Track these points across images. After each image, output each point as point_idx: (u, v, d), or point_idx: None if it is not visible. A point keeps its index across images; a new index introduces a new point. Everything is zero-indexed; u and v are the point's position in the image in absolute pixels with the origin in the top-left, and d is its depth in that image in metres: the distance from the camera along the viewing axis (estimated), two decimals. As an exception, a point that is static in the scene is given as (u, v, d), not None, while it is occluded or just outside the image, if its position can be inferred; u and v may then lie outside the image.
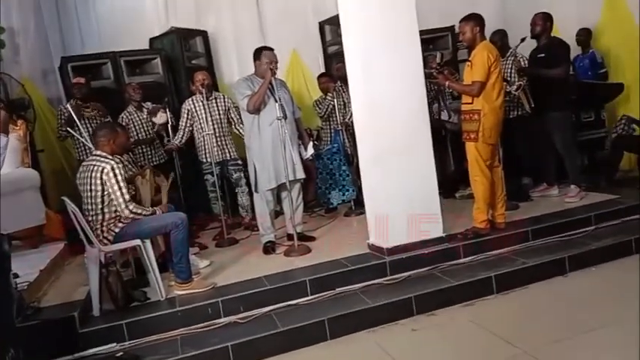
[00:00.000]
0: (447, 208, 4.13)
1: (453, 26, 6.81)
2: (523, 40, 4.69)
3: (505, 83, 4.84)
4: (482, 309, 3.46)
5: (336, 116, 5.56)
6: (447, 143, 5.59)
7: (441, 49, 6.58)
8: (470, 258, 3.91)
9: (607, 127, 5.72)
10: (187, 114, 5.09)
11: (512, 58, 4.94)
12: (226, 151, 5.14)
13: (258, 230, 4.68)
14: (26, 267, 3.82)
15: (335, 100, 5.53)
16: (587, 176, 4.95)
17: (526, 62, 5.01)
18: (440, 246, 3.93)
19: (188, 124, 5.10)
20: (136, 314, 3.43)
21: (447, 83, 4.28)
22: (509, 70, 5.05)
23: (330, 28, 6.94)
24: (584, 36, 6.04)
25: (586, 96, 5.37)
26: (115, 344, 3.20)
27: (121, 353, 3.10)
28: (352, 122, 4.36)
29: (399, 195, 3.89)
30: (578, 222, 4.23)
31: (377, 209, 4.01)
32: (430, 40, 6.56)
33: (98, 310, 3.47)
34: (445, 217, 4.06)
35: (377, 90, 3.86)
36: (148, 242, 3.65)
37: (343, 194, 5.50)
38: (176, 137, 5.13)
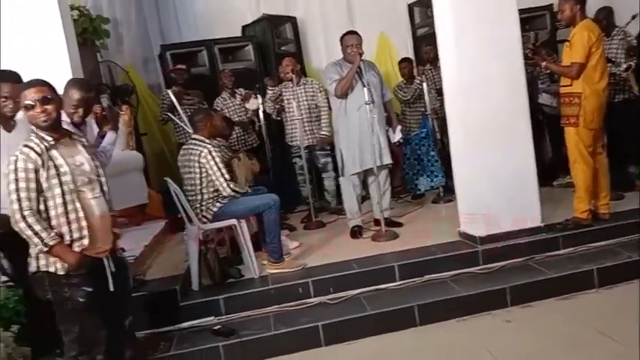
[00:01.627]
0: (544, 196, 3.95)
1: (551, 5, 6.44)
2: (634, 17, 4.35)
3: (610, 64, 4.52)
4: (581, 303, 3.30)
5: (425, 100, 5.44)
6: (545, 128, 5.31)
7: (537, 29, 6.25)
8: (570, 249, 3.73)
9: None
10: (278, 93, 5.20)
11: (620, 37, 4.58)
12: (316, 135, 5.19)
13: (343, 215, 4.72)
14: (132, 242, 4.09)
15: (425, 83, 5.42)
16: None
17: (635, 42, 4.63)
18: (537, 236, 3.78)
19: (273, 95, 5.19)
20: (231, 290, 3.59)
21: (543, 64, 4.06)
22: (614, 50, 4.70)
23: (420, 10, 6.78)
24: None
25: None
26: (212, 317, 3.38)
27: (219, 326, 3.27)
28: (443, 107, 4.26)
29: (494, 182, 3.77)
30: (691, 215, 3.90)
31: (469, 196, 3.91)
32: (526, 19, 6.22)
33: (197, 285, 3.67)
34: (543, 206, 3.89)
35: (470, 72, 3.75)
36: (243, 222, 3.81)
37: (431, 180, 5.40)
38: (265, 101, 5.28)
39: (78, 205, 2.28)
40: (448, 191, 5.16)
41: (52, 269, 2.30)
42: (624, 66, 4.43)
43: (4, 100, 2.84)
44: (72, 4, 5.52)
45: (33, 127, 2.33)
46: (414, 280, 3.60)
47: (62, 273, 2.30)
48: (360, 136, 4.29)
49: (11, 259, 2.95)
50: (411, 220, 4.82)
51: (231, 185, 3.74)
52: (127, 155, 4.92)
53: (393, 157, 4.64)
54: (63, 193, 2.26)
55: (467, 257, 3.71)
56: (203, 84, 5.86)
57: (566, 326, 3.05)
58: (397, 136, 4.68)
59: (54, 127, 2.32)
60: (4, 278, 3.11)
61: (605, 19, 4.82)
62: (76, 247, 2.29)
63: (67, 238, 2.28)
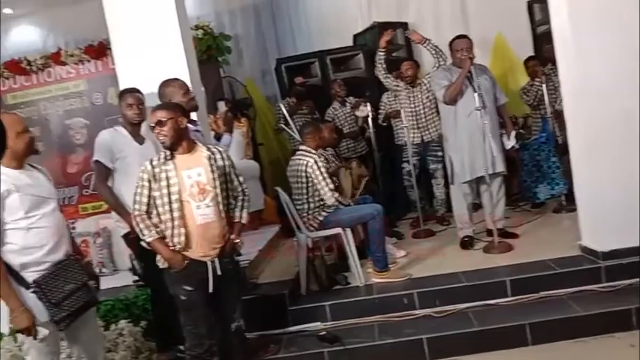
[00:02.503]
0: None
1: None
2: None
3: None
4: None
5: (545, 103, 5.12)
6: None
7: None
8: None
9: None
10: (391, 96, 5.29)
11: None
12: (429, 132, 5.13)
13: (450, 224, 4.60)
14: (247, 247, 4.30)
15: (544, 85, 5.10)
16: None
17: None
18: (670, 252, 3.39)
19: (393, 86, 5.24)
20: (337, 297, 3.68)
21: None
22: None
23: (540, 7, 6.37)
24: None
25: None
26: (318, 323, 3.49)
27: (324, 332, 3.36)
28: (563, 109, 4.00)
29: (617, 191, 3.46)
30: None
31: (590, 207, 3.63)
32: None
33: (305, 290, 3.80)
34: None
35: (590, 72, 3.48)
36: (348, 230, 3.87)
37: (552, 188, 5.05)
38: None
39: (177, 214, 2.57)
40: (572, 200, 4.79)
41: (161, 265, 2.65)
42: None
43: (129, 106, 3.23)
44: (197, 24, 6.03)
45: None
46: (527, 296, 3.41)
47: (164, 267, 2.63)
48: (471, 143, 4.15)
49: (142, 261, 3.28)
50: (527, 230, 4.55)
51: (335, 195, 3.82)
52: (244, 164, 5.23)
53: (510, 163, 4.43)
54: (170, 202, 2.57)
55: (587, 273, 3.44)
56: (316, 94, 6.05)
57: None
58: (512, 142, 4.45)
59: (172, 144, 2.60)
60: (135, 278, 3.48)
61: None
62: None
63: (168, 240, 2.59)
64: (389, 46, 6.41)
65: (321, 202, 3.84)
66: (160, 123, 2.57)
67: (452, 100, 4.18)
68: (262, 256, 4.48)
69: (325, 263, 3.95)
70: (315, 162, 3.78)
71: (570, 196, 4.81)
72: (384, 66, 5.16)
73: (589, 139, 3.55)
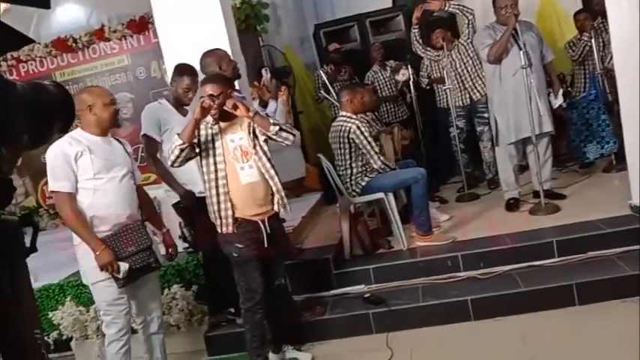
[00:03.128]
0: None
1: None
2: None
3: None
4: None
5: (593, 59, 4.90)
6: None
7: None
8: None
9: None
10: (434, 56, 5.21)
11: None
12: (475, 93, 5.03)
13: (497, 187, 4.53)
14: (291, 213, 4.38)
15: (593, 40, 4.87)
16: None
17: None
18: None
19: (434, 57, 5.20)
20: (381, 261, 3.73)
21: None
22: None
23: (591, -42, 6.05)
24: None
25: None
26: (363, 286, 3.55)
27: (369, 294, 3.42)
28: (613, 66, 3.83)
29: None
30: None
31: (643, 165, 3.50)
32: None
33: (349, 254, 3.86)
34: None
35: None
36: (390, 195, 3.88)
37: (602, 147, 4.89)
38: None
39: (222, 174, 2.67)
40: (622, 159, 4.63)
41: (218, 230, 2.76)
42: None
43: (185, 90, 3.31)
44: (235, -7, 6.03)
45: None
46: (575, 256, 3.36)
47: (220, 231, 2.73)
48: (516, 103, 4.05)
49: (192, 228, 3.41)
50: (576, 191, 4.44)
51: (382, 158, 3.84)
52: (285, 133, 5.28)
53: (558, 122, 4.31)
54: (215, 163, 2.68)
55: (637, 233, 3.34)
56: (355, 59, 5.99)
57: None
58: (559, 100, 4.31)
59: (220, 115, 2.69)
60: (186, 245, 3.62)
61: None
62: (222, 211, 2.68)
63: (214, 200, 2.68)
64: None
65: (364, 167, 3.86)
66: (211, 97, 2.63)
67: (497, 59, 4.07)
68: (306, 222, 4.56)
69: (368, 228, 3.99)
70: (358, 127, 3.78)
71: (620, 155, 4.66)
72: (420, 41, 5.13)
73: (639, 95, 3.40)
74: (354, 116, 3.87)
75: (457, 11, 4.76)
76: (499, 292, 3.19)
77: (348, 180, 3.91)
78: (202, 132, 2.70)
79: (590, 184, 4.65)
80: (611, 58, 3.97)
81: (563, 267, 3.32)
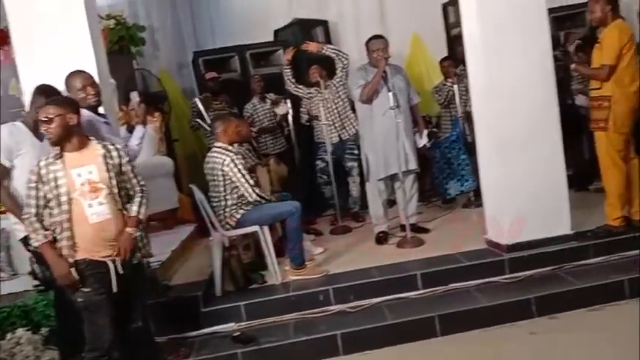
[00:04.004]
0: (578, 202, 3.83)
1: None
2: None
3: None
4: (611, 315, 3.16)
5: (456, 103, 5.33)
6: (582, 130, 5.11)
7: (576, 28, 6.01)
8: (601, 258, 3.58)
9: None
10: (307, 93, 5.28)
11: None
12: (346, 130, 5.18)
13: (366, 221, 4.69)
14: (160, 247, 4.17)
15: (455, 85, 5.31)
16: None
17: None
18: (566, 244, 3.66)
19: (303, 93, 5.27)
20: (253, 296, 3.64)
21: (572, 66, 3.94)
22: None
23: (454, 10, 6.64)
24: None
25: None
26: (233, 324, 3.42)
27: (239, 333, 3.31)
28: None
29: (522, 187, 3.67)
30: None
31: (496, 202, 3.82)
32: (563, 18, 6.01)
33: (220, 291, 3.72)
34: (575, 212, 3.77)
35: (498, 74, 3.66)
36: (266, 228, 3.83)
37: (462, 184, 5.28)
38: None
39: (65, 216, 2.47)
40: (480, 196, 5.04)
41: None
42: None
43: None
44: (109, 13, 5.74)
45: None
46: (437, 288, 3.54)
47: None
48: (386, 141, 4.26)
49: (43, 264, 3.07)
50: (439, 225, 4.74)
51: (257, 191, 3.79)
52: (156, 161, 5.05)
53: (423, 160, 4.58)
54: (59, 203, 2.48)
55: (493, 266, 3.63)
56: (235, 89, 5.94)
57: (593, 339, 2.94)
58: (424, 140, 4.62)
59: (60, 141, 2.50)
60: (36, 282, 3.26)
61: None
62: (64, 251, 2.49)
63: (62, 242, 2.49)
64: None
65: (239, 200, 3.78)
66: (48, 120, 2.46)
67: (368, 99, 4.26)
68: (176, 256, 4.34)
69: (242, 262, 3.90)
70: (232, 160, 3.70)
71: (478, 192, 5.08)
72: (293, 80, 5.23)
73: (496, 138, 3.73)
74: (229, 147, 3.79)
75: (333, 55, 4.91)
76: (368, 325, 3.25)
77: (222, 212, 3.80)
78: (43, 170, 2.49)
79: (452, 218, 4.99)
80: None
81: (426, 299, 3.48)
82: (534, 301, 3.28)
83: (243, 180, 3.73)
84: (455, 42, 6.50)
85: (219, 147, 3.80)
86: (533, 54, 3.65)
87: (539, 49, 3.66)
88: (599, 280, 3.34)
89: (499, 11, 3.61)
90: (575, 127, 5.00)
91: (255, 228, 3.80)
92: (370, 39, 4.41)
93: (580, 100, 5.04)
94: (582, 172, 5.04)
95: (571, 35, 5.27)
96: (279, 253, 3.94)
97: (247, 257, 4.18)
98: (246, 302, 3.54)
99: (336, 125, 5.15)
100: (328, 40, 6.77)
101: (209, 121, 4.87)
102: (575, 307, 3.24)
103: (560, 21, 5.89)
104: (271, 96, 5.74)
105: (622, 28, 3.57)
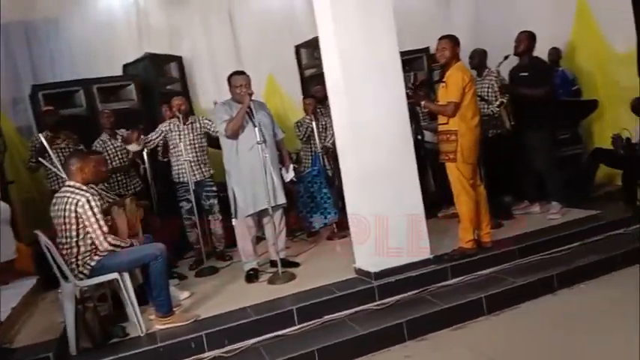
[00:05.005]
0: (431, 228, 4.08)
1: (427, 48, 6.90)
2: (506, 57, 4.76)
3: (482, 102, 4.87)
4: (473, 331, 3.39)
5: (315, 139, 5.49)
6: (427, 163, 5.58)
7: (415, 71, 6.64)
8: (458, 279, 3.86)
9: (583, 143, 5.80)
10: (161, 132, 5.02)
11: (494, 76, 4.98)
12: (203, 171, 5.02)
13: (233, 259, 4.56)
14: (-4, 306, 3.62)
15: (314, 122, 5.47)
16: (568, 192, 4.95)
17: (506, 80, 5.03)
18: (428, 268, 3.88)
19: (158, 138, 5.01)
20: (115, 352, 3.26)
21: (422, 103, 4.29)
22: (486, 89, 5.08)
23: (306, 52, 6.95)
24: (554, 55, 6.12)
25: (562, 113, 5.43)
26: (91, 385, 3.03)
27: (100, 395, 2.93)
28: (333, 145, 4.33)
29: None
30: (562, 239, 4.23)
31: (362, 232, 3.93)
32: (405, 61, 6.59)
33: (75, 349, 3.29)
34: (430, 237, 4.01)
35: (359, 112, 3.83)
36: (126, 275, 3.49)
37: (325, 217, 5.40)
38: (147, 142, 4.99)
39: None
40: (342, 227, 5.21)
41: None
42: (497, 103, 4.78)
43: None
44: None
45: None
46: (313, 322, 3.51)
47: None
48: (253, 177, 4.20)
49: None
50: (307, 259, 4.77)
51: (109, 239, 3.41)
52: (-10, 207, 4.39)
53: (288, 195, 4.59)
54: None
55: (363, 294, 3.70)
56: (80, 125, 5.47)
57: (459, 356, 3.12)
58: (290, 174, 4.64)
59: None
60: None
61: (479, 59, 5.24)
62: None
63: None
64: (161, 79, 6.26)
65: (94, 246, 3.40)
66: None
67: (233, 135, 4.19)
68: (17, 314, 3.76)
69: (98, 315, 3.49)
70: (88, 201, 3.32)
71: (339, 224, 5.24)
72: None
73: (359, 171, 3.87)
74: (84, 187, 3.41)
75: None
76: (245, 369, 3.10)
77: (74, 260, 3.38)
78: None
79: (318, 251, 5.06)
80: (331, 137, 4.48)
81: (304, 333, 3.42)
82: (405, 325, 3.39)
83: (96, 226, 3.35)
84: (309, 82, 6.78)
85: (72, 186, 3.41)
86: (389, 93, 3.89)
87: (394, 89, 3.91)
88: (459, 300, 3.57)
89: (358, 53, 3.80)
90: (423, 160, 5.45)
91: (114, 275, 3.44)
92: (232, 74, 4.37)
93: (426, 135, 5.51)
94: (431, 201, 5.46)
95: (417, 76, 5.78)
96: (141, 302, 3.61)
97: (103, 309, 3.77)
98: (108, 359, 3.15)
99: (192, 166, 4.94)
100: (182, 76, 6.63)
101: (54, 159, 4.37)
102: (441, 327, 3.43)
103: (402, 64, 6.44)
104: (123, 132, 5.38)
105: (464, 69, 4.00)
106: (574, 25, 6.13)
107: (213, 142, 4.98)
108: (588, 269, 3.86)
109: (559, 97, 5.82)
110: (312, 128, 5.49)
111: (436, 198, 5.52)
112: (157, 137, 5.02)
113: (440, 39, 4.10)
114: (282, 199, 4.31)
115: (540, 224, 4.60)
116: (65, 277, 3.39)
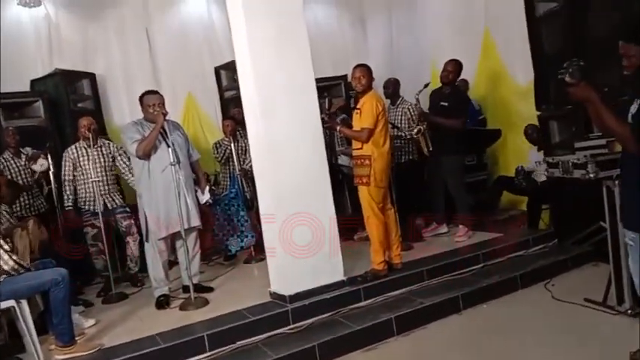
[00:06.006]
0: (346, 250, 4.15)
1: (345, 75, 7.11)
2: (426, 85, 5.00)
3: (395, 129, 5.07)
4: (384, 352, 3.47)
5: (234, 161, 5.46)
6: (344, 186, 5.70)
7: (334, 97, 6.80)
8: (371, 300, 3.94)
9: (488, 170, 6.17)
10: (70, 163, 4.76)
11: (411, 105, 5.19)
12: (114, 199, 4.83)
13: (145, 285, 4.41)
14: None
15: (232, 144, 5.45)
16: (474, 216, 5.23)
17: (421, 108, 5.22)
18: (341, 290, 3.93)
19: (71, 175, 4.76)
20: (7, 387, 3.03)
21: (338, 128, 4.40)
22: (400, 117, 5.30)
23: (226, 74, 6.91)
24: (463, 86, 6.50)
25: (470, 141, 5.76)
26: None
27: None
28: (251, 167, 4.33)
29: (300, 240, 3.85)
30: (468, 260, 4.45)
31: (278, 255, 3.93)
32: (324, 88, 6.75)
33: (-39, 387, 3.02)
34: (345, 259, 4.07)
35: (276, 136, 3.86)
36: (24, 302, 3.28)
37: (242, 240, 5.35)
38: (65, 195, 4.73)
39: None
40: (260, 251, 5.17)
41: None
42: (415, 129, 4.98)
43: None
44: None
45: None
46: (225, 348, 3.44)
47: None
48: (166, 199, 4.09)
49: None
50: (222, 283, 4.69)
51: (14, 257, 3.22)
52: None
53: (203, 218, 4.50)
54: None
55: (278, 318, 3.68)
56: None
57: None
58: (206, 196, 4.57)
59: None
60: None
61: (393, 88, 5.47)
62: None
63: None
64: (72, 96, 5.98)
65: (-12, 271, 3.17)
66: None
67: (145, 155, 4.08)
68: None
69: (-9, 347, 3.24)
70: (-15, 222, 3.12)
71: (257, 247, 5.21)
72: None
73: (276, 194, 3.87)
74: (-20, 209, 3.20)
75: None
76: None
77: (-36, 288, 3.14)
78: None
79: (235, 275, 5.00)
80: (250, 160, 4.46)
81: (215, 360, 3.35)
82: (317, 347, 3.41)
83: (-4, 246, 3.16)
84: (229, 103, 6.75)
85: (-34, 208, 3.18)
86: (305, 117, 3.95)
87: (309, 113, 3.98)
88: (371, 321, 3.64)
89: (274, 77, 3.85)
90: (339, 183, 5.57)
91: (11, 303, 3.22)
92: (145, 94, 4.27)
93: (342, 159, 5.64)
94: (347, 223, 5.56)
95: (332, 102, 5.93)
96: (41, 331, 3.40)
97: (-2, 339, 3.50)
98: (-2, 395, 2.93)
99: (104, 192, 4.75)
100: (95, 94, 6.38)
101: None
102: (353, 349, 3.47)
103: (321, 90, 6.60)
104: (27, 151, 5.08)
105: (377, 97, 4.16)
106: (480, 57, 6.55)
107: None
108: (490, 290, 4.08)
109: (467, 126, 6.18)
110: (231, 150, 5.46)
111: (352, 221, 5.63)
112: (68, 169, 4.76)
113: (355, 67, 4.24)
114: (196, 222, 4.23)
115: (448, 246, 4.83)
116: (-48, 307, 3.12)
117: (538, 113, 5.05)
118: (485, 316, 3.84)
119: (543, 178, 4.64)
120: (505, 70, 6.29)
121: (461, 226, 5.04)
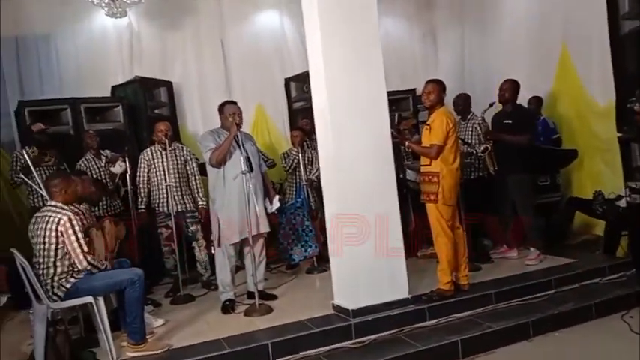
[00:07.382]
0: (409, 267, 4.09)
1: (414, 89, 7.06)
2: (491, 105, 4.87)
3: (465, 146, 4.98)
4: (448, 375, 3.39)
5: (300, 171, 5.52)
6: (409, 202, 5.63)
7: (402, 111, 6.76)
8: (435, 320, 3.85)
9: (562, 191, 5.92)
10: (145, 164, 4.97)
11: (478, 122, 5.08)
12: (185, 202, 4.99)
13: (216, 288, 4.51)
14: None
15: (300, 155, 5.52)
16: (546, 239, 5.03)
17: (489, 126, 5.14)
18: (405, 308, 3.87)
19: (146, 177, 4.97)
20: (83, 379, 3.18)
21: (407, 143, 4.35)
22: (470, 133, 5.20)
23: (296, 85, 7.03)
24: (535, 104, 6.28)
25: (543, 161, 5.56)
26: (58, 413, 2.94)
27: None
28: (318, 178, 4.35)
29: (364, 254, 3.83)
30: (539, 285, 4.27)
31: (342, 268, 3.93)
32: (392, 101, 6.72)
33: (42, 374, 3.20)
34: (409, 276, 4.01)
35: (344, 148, 3.87)
36: (100, 299, 3.44)
37: (305, 250, 5.38)
38: (139, 197, 4.94)
39: None
40: (322, 261, 5.20)
41: None
42: (482, 148, 4.87)
43: None
44: None
45: None
46: (288, 357, 3.46)
47: None
48: (238, 205, 4.19)
49: None
50: (285, 291, 4.73)
51: (89, 258, 3.39)
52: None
53: (270, 226, 4.58)
54: None
55: (340, 331, 3.67)
56: (65, 144, 5.44)
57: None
58: (275, 205, 4.64)
59: None
60: None
61: (463, 104, 5.37)
62: None
63: None
64: (149, 103, 6.24)
65: (71, 267, 3.35)
66: None
67: (219, 163, 4.20)
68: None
69: (69, 339, 3.42)
70: (70, 220, 3.30)
71: (320, 258, 5.24)
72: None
73: (342, 206, 3.89)
74: (65, 207, 3.39)
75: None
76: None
77: (50, 281, 3.33)
78: None
79: (297, 284, 5.02)
80: (316, 171, 4.49)
81: (278, 369, 3.38)
82: (383, 365, 3.38)
83: (76, 244, 3.33)
84: (297, 114, 6.86)
85: (54, 206, 3.38)
86: (374, 131, 3.95)
87: (379, 127, 3.97)
88: (435, 342, 3.56)
89: (344, 89, 3.87)
90: (404, 199, 5.50)
91: (89, 299, 3.39)
92: (225, 103, 4.42)
93: (409, 174, 5.58)
94: (410, 240, 5.48)
95: (402, 117, 5.88)
96: (114, 327, 3.54)
97: (75, 332, 3.68)
98: (75, 386, 3.08)
99: (178, 194, 4.91)
100: (171, 101, 6.64)
101: (37, 178, 4.32)
102: (417, 369, 3.42)
103: (389, 104, 6.57)
104: (107, 153, 5.35)
105: (448, 114, 4.10)
106: (556, 75, 6.31)
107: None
108: (563, 317, 3.89)
109: (540, 145, 5.97)
110: (299, 160, 5.53)
111: (416, 237, 5.55)
112: (143, 171, 4.98)
113: (427, 82, 4.21)
114: (265, 228, 4.32)
115: (517, 269, 4.65)
116: (38, 298, 3.31)
117: (619, 135, 4.82)
118: (557, 344, 3.67)
119: (624, 205, 4.41)
120: (583, 88, 6.01)
121: (532, 249, 4.85)
